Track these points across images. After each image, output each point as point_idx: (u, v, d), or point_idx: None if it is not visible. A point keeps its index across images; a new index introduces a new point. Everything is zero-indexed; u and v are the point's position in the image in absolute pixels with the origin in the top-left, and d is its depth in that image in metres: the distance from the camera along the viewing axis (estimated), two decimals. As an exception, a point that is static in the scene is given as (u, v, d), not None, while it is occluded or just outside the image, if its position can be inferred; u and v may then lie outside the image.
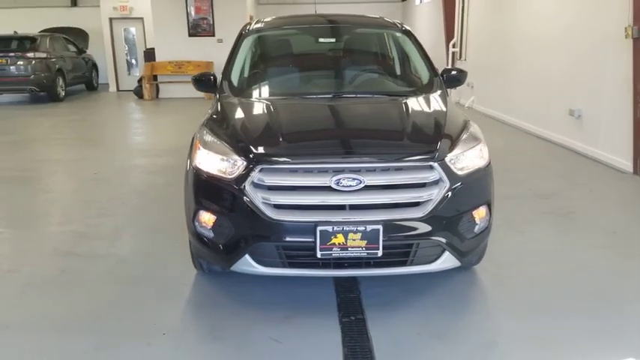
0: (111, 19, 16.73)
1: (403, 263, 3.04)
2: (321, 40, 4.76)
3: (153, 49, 15.12)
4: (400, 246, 3.00)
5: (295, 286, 3.52)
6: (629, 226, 4.63)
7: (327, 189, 2.92)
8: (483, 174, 3.22)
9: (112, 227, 4.73)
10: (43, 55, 13.93)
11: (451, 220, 3.04)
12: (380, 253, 2.93)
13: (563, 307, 3.28)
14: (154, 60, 14.93)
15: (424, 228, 2.96)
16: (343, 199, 2.93)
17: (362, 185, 2.91)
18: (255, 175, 2.96)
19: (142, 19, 16.70)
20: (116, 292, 3.55)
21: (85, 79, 16.60)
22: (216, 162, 3.13)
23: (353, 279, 3.61)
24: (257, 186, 2.97)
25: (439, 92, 3.99)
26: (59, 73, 14.35)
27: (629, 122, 6.06)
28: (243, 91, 4.19)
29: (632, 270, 3.78)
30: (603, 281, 3.61)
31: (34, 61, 13.59)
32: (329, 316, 3.21)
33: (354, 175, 2.91)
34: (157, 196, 5.60)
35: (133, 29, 17.14)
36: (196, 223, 3.22)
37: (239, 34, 4.67)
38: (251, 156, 3.03)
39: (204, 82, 4.23)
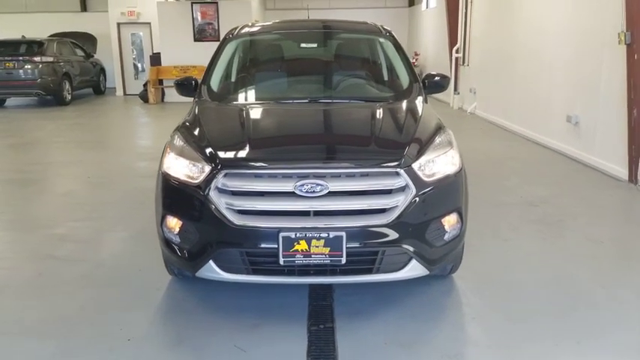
0: (119, 24, 16.86)
1: (369, 271, 2.98)
2: (303, 45, 4.73)
3: (159, 53, 15.22)
4: (365, 253, 2.94)
5: (268, 294, 3.48)
6: (618, 235, 4.53)
7: (291, 194, 2.88)
8: (454, 180, 3.15)
9: (96, 231, 4.73)
10: (50, 59, 14.08)
11: (418, 228, 2.97)
12: (344, 260, 2.87)
13: (538, 317, 3.20)
14: (160, 64, 15.02)
15: (390, 235, 2.90)
16: (307, 205, 2.88)
17: (326, 191, 2.86)
18: (220, 180, 2.93)
19: (149, 24, 16.80)
20: (89, 296, 3.54)
21: (92, 83, 16.76)
22: (183, 167, 3.11)
23: (328, 286, 3.55)
24: (221, 191, 2.94)
25: (417, 98, 3.93)
26: (66, 77, 14.49)
27: (624, 129, 5.96)
28: (220, 96, 4.17)
29: (613, 280, 3.69)
30: (582, 292, 3.52)
31: (40, 65, 13.74)
32: (299, 324, 3.16)
33: (318, 181, 2.86)
34: (146, 200, 5.58)
35: (140, 34, 17.26)
36: (164, 229, 3.20)
37: (223, 39, 4.67)
38: (216, 161, 3.00)
39: (185, 86, 4.23)
